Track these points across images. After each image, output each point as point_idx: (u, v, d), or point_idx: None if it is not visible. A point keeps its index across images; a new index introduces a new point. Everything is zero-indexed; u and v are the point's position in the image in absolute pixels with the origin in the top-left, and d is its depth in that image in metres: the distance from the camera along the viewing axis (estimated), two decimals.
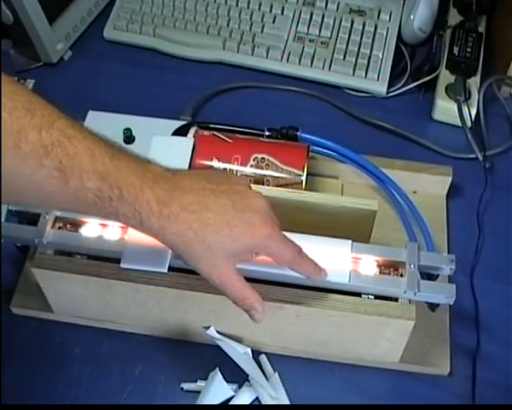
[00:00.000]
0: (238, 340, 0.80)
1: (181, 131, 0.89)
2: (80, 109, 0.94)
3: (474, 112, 1.00)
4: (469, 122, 0.99)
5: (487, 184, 0.94)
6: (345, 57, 1.07)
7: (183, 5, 1.14)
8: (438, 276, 0.76)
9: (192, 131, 0.87)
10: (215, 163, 0.83)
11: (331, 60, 1.08)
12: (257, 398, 0.78)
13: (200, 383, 0.79)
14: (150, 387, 0.80)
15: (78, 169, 0.57)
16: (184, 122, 0.93)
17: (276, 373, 0.79)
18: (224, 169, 0.83)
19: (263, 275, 0.73)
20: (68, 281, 0.76)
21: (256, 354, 0.81)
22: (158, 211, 0.59)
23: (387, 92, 1.06)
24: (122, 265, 0.73)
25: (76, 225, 0.76)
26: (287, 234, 0.71)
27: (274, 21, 1.12)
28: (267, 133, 0.91)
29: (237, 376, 0.79)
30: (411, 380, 0.80)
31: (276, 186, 0.82)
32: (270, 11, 1.13)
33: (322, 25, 1.11)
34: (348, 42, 1.09)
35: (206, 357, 0.81)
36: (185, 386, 0.79)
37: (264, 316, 0.67)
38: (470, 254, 0.89)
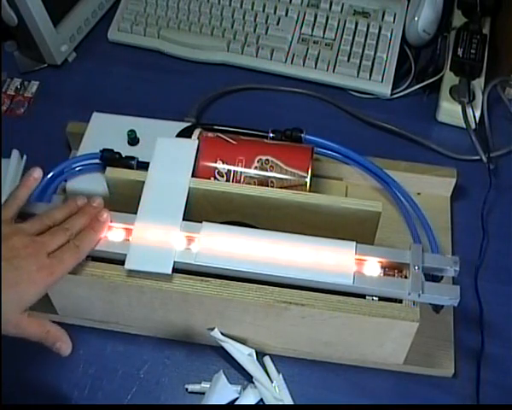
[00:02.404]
0: (242, 341, 0.80)
1: (185, 133, 0.89)
2: (84, 111, 0.94)
3: (478, 113, 1.00)
4: (474, 124, 0.99)
5: (491, 185, 0.94)
6: (349, 59, 1.07)
7: (187, 7, 1.14)
8: (442, 277, 0.76)
9: (196, 132, 0.87)
10: (219, 165, 0.83)
11: (335, 61, 1.08)
12: (261, 399, 0.78)
13: (205, 385, 0.79)
14: (154, 388, 0.80)
15: None
16: (189, 124, 0.93)
17: (281, 375, 0.79)
18: (228, 171, 0.83)
19: (267, 277, 0.73)
20: (73, 282, 0.76)
21: (260, 355, 0.81)
22: None
23: (392, 94, 1.06)
24: (126, 266, 0.73)
25: None
26: (287, 235, 0.72)
27: (278, 23, 1.12)
28: (271, 135, 0.91)
29: (241, 377, 0.80)
30: (416, 381, 0.80)
31: (281, 188, 0.82)
32: (275, 13, 1.13)
33: (326, 26, 1.11)
34: (352, 43, 1.09)
35: (210, 358, 0.81)
36: (189, 387, 0.79)
37: (70, 348, 0.70)
38: (474, 255, 0.89)
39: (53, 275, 0.68)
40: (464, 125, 0.99)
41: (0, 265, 0.65)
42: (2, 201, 0.75)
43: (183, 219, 0.76)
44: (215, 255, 0.74)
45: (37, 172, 0.77)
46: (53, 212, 0.75)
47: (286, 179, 0.82)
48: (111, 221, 0.76)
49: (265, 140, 0.91)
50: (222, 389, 0.77)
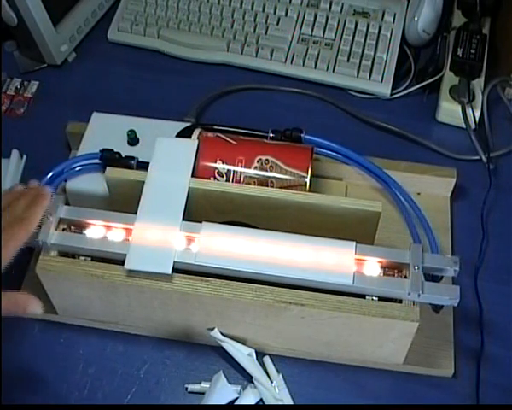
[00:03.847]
0: (242, 341, 0.80)
1: (185, 133, 0.89)
2: (84, 111, 0.94)
3: (478, 113, 1.00)
4: (473, 124, 0.99)
5: (491, 185, 0.94)
6: (349, 59, 1.07)
7: (187, 7, 1.14)
8: (442, 277, 0.76)
9: (196, 132, 0.87)
10: (219, 165, 0.83)
11: (335, 61, 1.08)
12: (261, 400, 0.78)
13: (205, 385, 0.79)
14: (154, 388, 0.80)
15: None
16: (188, 124, 0.93)
17: (280, 375, 0.79)
18: (228, 171, 0.83)
19: (267, 277, 0.73)
20: (72, 282, 0.76)
21: (260, 355, 0.81)
22: None
23: (391, 94, 1.06)
24: (126, 266, 0.73)
25: (80, 227, 0.77)
26: (287, 235, 0.72)
27: (278, 23, 1.12)
28: (271, 135, 0.91)
29: (241, 377, 0.80)
30: (415, 381, 0.80)
31: (280, 188, 0.82)
32: (274, 13, 1.13)
33: (326, 26, 1.11)
34: (352, 43, 1.09)
35: (210, 358, 0.82)
36: (189, 387, 0.79)
37: (40, 307, 0.68)
38: (474, 255, 0.89)
39: (4, 249, 0.67)
40: (464, 126, 0.99)
41: None
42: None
43: (183, 219, 0.76)
44: (215, 255, 0.74)
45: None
46: None
47: (286, 179, 0.82)
48: (111, 221, 0.76)
49: (265, 140, 0.91)
50: (222, 390, 0.77)
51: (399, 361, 0.79)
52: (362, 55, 1.08)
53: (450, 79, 1.03)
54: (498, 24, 1.12)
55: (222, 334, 0.79)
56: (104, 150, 0.87)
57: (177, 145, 0.84)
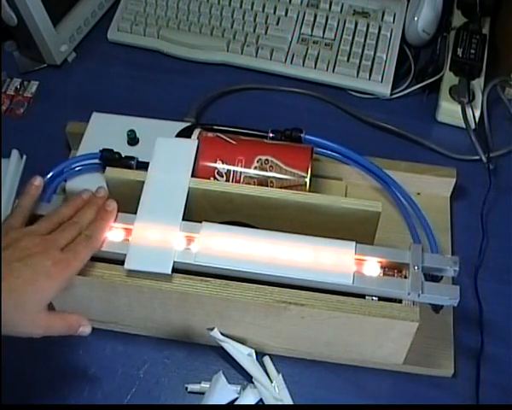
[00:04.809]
0: (242, 341, 0.80)
1: (185, 133, 0.89)
2: (84, 111, 0.94)
3: (477, 113, 1.00)
4: (473, 124, 0.99)
5: (491, 185, 0.94)
6: (349, 59, 1.07)
7: (186, 7, 1.14)
8: (442, 277, 0.76)
9: (196, 132, 0.87)
10: (219, 165, 0.83)
11: (335, 61, 1.08)
12: (261, 400, 0.78)
13: (204, 385, 0.79)
14: (154, 388, 0.80)
15: None
16: (188, 124, 0.93)
17: (280, 375, 0.79)
18: (227, 171, 0.83)
19: (267, 277, 0.73)
20: (72, 283, 0.76)
21: (260, 355, 0.81)
22: None
23: (391, 94, 1.06)
24: (126, 266, 0.73)
25: None
26: (287, 235, 0.72)
27: (278, 23, 1.12)
28: (271, 135, 0.91)
29: (241, 377, 0.80)
30: (415, 381, 0.80)
31: (280, 188, 0.82)
32: (274, 13, 1.13)
33: (326, 26, 1.11)
34: (352, 43, 1.09)
35: (210, 358, 0.82)
36: (189, 387, 0.79)
37: (90, 326, 0.72)
38: (474, 255, 0.89)
39: (69, 267, 0.70)
40: (464, 126, 0.99)
41: (0, 270, 0.66)
42: (6, 212, 0.77)
43: (183, 219, 0.76)
44: (215, 255, 0.74)
45: (37, 180, 0.79)
46: (60, 209, 0.76)
47: (285, 179, 0.82)
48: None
49: (265, 140, 0.91)
50: (221, 390, 0.77)
51: (399, 361, 0.79)
52: (362, 55, 1.08)
53: (450, 78, 1.03)
54: (498, 24, 1.12)
55: (222, 334, 0.79)
56: (104, 150, 0.87)
57: (177, 145, 0.84)
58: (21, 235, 0.71)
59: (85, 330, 0.72)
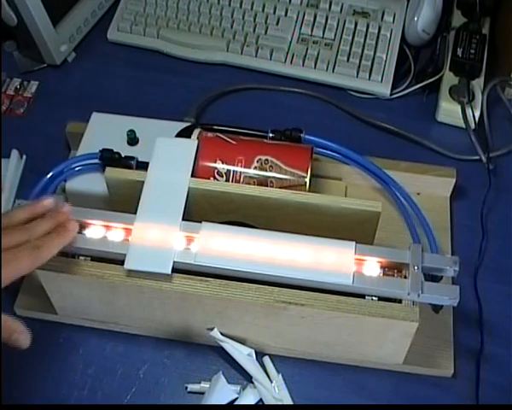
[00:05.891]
0: (242, 341, 0.80)
1: (185, 133, 0.89)
2: (84, 111, 0.94)
3: (477, 113, 1.00)
4: (473, 124, 0.99)
5: (491, 185, 0.94)
6: (348, 59, 1.07)
7: (186, 7, 1.14)
8: (441, 277, 0.76)
9: (196, 132, 0.87)
10: (219, 165, 0.83)
11: (335, 61, 1.08)
12: (260, 400, 0.78)
13: (204, 385, 0.79)
14: (154, 388, 0.80)
15: None
16: (188, 124, 0.93)
17: (280, 375, 0.79)
18: (227, 171, 0.83)
19: (267, 277, 0.73)
20: (72, 282, 0.76)
21: (260, 355, 0.81)
22: None
23: (391, 94, 1.06)
24: (126, 266, 0.73)
25: (80, 227, 0.76)
26: (287, 235, 0.72)
27: (278, 23, 1.12)
28: (271, 135, 0.91)
29: (241, 377, 0.80)
30: (415, 382, 0.80)
31: (280, 188, 0.82)
32: (274, 13, 1.13)
33: (325, 26, 1.11)
34: (352, 43, 1.09)
35: (209, 358, 0.82)
36: (189, 387, 0.79)
37: (28, 339, 0.65)
38: (474, 255, 0.89)
39: (4, 270, 0.63)
40: (464, 126, 0.99)
41: None
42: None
43: (183, 219, 0.76)
44: (214, 255, 0.74)
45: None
46: (14, 211, 0.72)
47: (285, 179, 0.82)
48: (110, 221, 0.76)
49: (265, 140, 0.91)
50: (221, 390, 0.77)
51: (399, 361, 0.79)
52: (361, 55, 1.08)
53: (449, 78, 1.03)
54: (498, 24, 1.12)
55: (221, 334, 0.79)
56: (104, 150, 0.87)
57: (177, 145, 0.84)
58: None
59: (20, 338, 0.64)
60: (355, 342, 0.78)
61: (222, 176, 0.83)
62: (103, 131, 0.92)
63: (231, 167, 0.83)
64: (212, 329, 0.78)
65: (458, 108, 1.00)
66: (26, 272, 0.66)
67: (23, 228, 0.69)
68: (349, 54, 1.08)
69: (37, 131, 1.03)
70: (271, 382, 0.78)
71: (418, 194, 0.92)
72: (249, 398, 0.78)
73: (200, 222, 0.76)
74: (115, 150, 0.87)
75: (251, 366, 0.79)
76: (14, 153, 0.96)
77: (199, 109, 1.02)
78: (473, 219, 0.92)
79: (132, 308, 0.79)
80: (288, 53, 1.09)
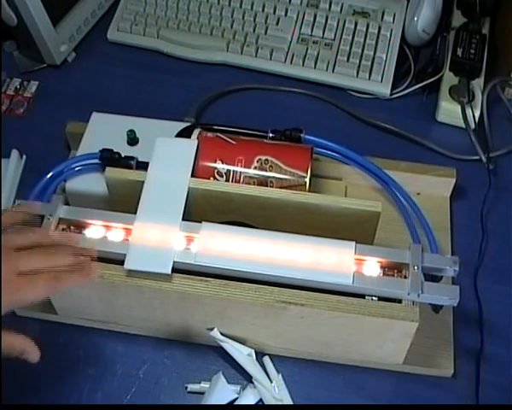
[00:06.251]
0: (242, 341, 0.80)
1: (185, 133, 0.89)
2: (84, 111, 0.94)
3: (477, 113, 1.00)
4: (473, 124, 0.99)
5: (491, 185, 0.94)
6: (348, 59, 1.07)
7: (186, 7, 1.14)
8: (441, 277, 0.76)
9: (196, 132, 0.87)
10: (219, 165, 0.83)
11: (335, 61, 1.08)
12: (260, 400, 0.78)
13: (204, 385, 0.79)
14: (154, 388, 0.80)
15: None
16: (188, 124, 0.93)
17: (280, 375, 0.79)
18: (227, 171, 0.83)
19: (267, 277, 0.73)
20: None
21: (260, 355, 0.81)
22: None
23: (391, 94, 1.06)
24: (126, 266, 0.73)
25: (80, 227, 0.76)
26: (287, 235, 0.72)
27: (278, 23, 1.12)
28: (271, 135, 0.91)
29: (241, 377, 0.80)
30: (415, 382, 0.80)
31: (280, 188, 0.82)
32: (274, 13, 1.13)
33: (325, 26, 1.11)
34: (352, 43, 1.09)
35: (209, 358, 0.82)
36: (189, 387, 0.79)
37: (38, 356, 0.67)
38: (474, 255, 0.89)
39: (17, 294, 0.64)
40: (464, 125, 0.99)
41: None
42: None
43: (183, 219, 0.76)
44: (214, 255, 0.74)
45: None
46: (44, 231, 0.73)
47: (285, 179, 0.82)
48: (110, 221, 0.76)
49: (265, 140, 0.91)
50: (221, 390, 0.77)
51: (399, 361, 0.79)
52: (361, 55, 1.08)
53: (449, 78, 1.03)
54: (498, 24, 1.12)
55: (221, 334, 0.79)
56: (104, 150, 0.87)
57: (177, 145, 0.84)
58: None
59: (30, 355, 0.66)
60: (355, 342, 0.78)
61: (222, 176, 0.83)
62: (103, 131, 0.92)
63: (231, 167, 0.83)
64: (212, 329, 0.78)
65: (458, 108, 1.00)
66: (35, 301, 0.65)
67: (48, 254, 0.68)
68: (349, 54, 1.08)
69: (37, 131, 1.03)
70: (271, 382, 0.78)
71: (418, 194, 0.92)
72: (249, 398, 0.78)
73: (200, 222, 0.76)
74: (115, 150, 0.87)
75: (251, 366, 0.79)
76: (14, 153, 0.96)
77: (199, 109, 1.02)
78: (473, 219, 0.92)
79: (132, 308, 0.79)
80: (287, 53, 1.09)
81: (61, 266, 0.67)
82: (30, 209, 0.76)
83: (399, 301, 0.73)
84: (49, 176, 0.87)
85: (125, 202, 0.78)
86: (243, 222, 0.80)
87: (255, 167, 0.83)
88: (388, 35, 1.09)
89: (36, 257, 0.67)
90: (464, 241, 0.90)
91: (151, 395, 0.80)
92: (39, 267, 0.66)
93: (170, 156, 0.81)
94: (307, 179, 0.82)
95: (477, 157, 0.97)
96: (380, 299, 0.73)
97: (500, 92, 1.03)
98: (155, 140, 0.83)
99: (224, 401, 0.78)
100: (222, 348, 0.79)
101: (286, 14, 1.13)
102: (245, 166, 0.83)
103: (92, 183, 0.87)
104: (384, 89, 1.06)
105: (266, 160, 0.83)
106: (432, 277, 0.75)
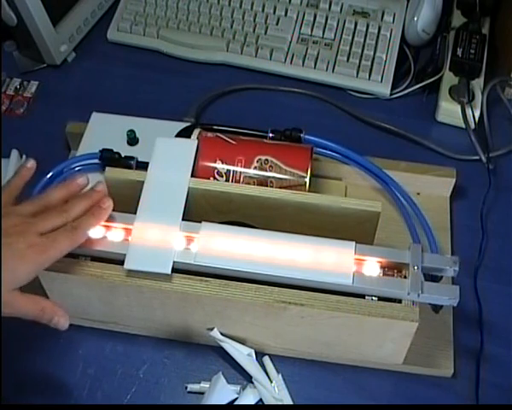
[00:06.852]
0: (241, 341, 0.80)
1: (184, 133, 0.89)
2: (84, 111, 0.94)
3: (477, 113, 1.00)
4: (473, 124, 0.99)
5: (491, 185, 0.94)
6: (348, 59, 1.07)
7: (186, 7, 1.14)
8: (441, 277, 0.76)
9: (196, 132, 0.87)
10: (219, 165, 0.83)
11: (335, 61, 1.08)
12: (260, 400, 0.78)
13: (204, 385, 0.79)
14: (154, 388, 0.80)
15: None
16: (188, 124, 0.93)
17: (280, 375, 0.79)
18: (227, 171, 0.83)
19: (266, 277, 0.73)
20: (72, 282, 0.76)
21: (259, 355, 0.81)
22: None
23: (391, 94, 1.06)
24: (126, 266, 0.73)
25: None
26: (287, 235, 0.71)
27: (277, 23, 1.12)
28: (271, 135, 0.91)
29: (241, 377, 0.80)
30: (415, 382, 0.80)
31: (280, 188, 0.82)
32: (274, 13, 1.13)
33: (325, 26, 1.11)
34: (352, 43, 1.09)
35: (209, 358, 0.82)
36: (189, 387, 0.79)
37: (67, 323, 0.70)
38: (474, 255, 0.89)
39: (44, 253, 0.67)
40: (464, 126, 0.99)
41: None
42: None
43: (183, 219, 0.76)
44: (214, 255, 0.74)
45: (30, 163, 0.76)
46: (50, 192, 0.75)
47: (285, 179, 0.82)
48: (110, 221, 0.76)
49: (265, 140, 0.91)
50: (221, 390, 0.77)
51: (399, 361, 0.79)
52: (361, 55, 1.08)
53: (449, 78, 1.03)
54: (498, 24, 1.12)
55: (221, 334, 0.79)
56: (104, 150, 0.87)
57: (177, 145, 0.84)
58: (3, 213, 0.68)
59: (60, 321, 0.70)
60: (355, 342, 0.78)
61: (222, 176, 0.83)
62: (103, 131, 0.92)
63: (231, 167, 0.83)
64: (211, 329, 0.78)
65: (458, 108, 1.00)
66: (65, 253, 0.70)
67: (59, 210, 0.72)
68: (349, 54, 1.08)
69: (37, 131, 1.03)
70: (271, 382, 0.78)
71: (418, 194, 0.92)
72: (249, 398, 0.78)
73: (200, 222, 0.76)
74: (115, 150, 0.87)
75: (251, 365, 0.79)
76: (14, 153, 0.96)
77: (199, 109, 1.02)
78: (473, 219, 0.92)
79: (132, 308, 0.79)
80: (287, 53, 1.09)
81: (76, 216, 0.72)
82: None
83: (399, 301, 0.73)
84: (49, 176, 0.87)
85: (124, 201, 0.78)
86: (243, 222, 0.80)
87: (255, 167, 0.83)
88: (388, 35, 1.09)
89: (51, 215, 0.70)
90: (464, 241, 0.90)
91: (151, 395, 0.80)
92: (57, 224, 0.70)
93: (170, 156, 0.81)
94: (307, 179, 0.82)
95: (477, 157, 0.97)
96: (380, 299, 0.73)
97: (500, 92, 1.03)
98: (155, 140, 0.83)
99: (224, 401, 0.78)
100: (222, 348, 0.79)
101: (286, 14, 1.13)
102: (245, 166, 0.83)
103: (92, 183, 0.87)
104: (384, 89, 1.06)
105: (266, 160, 0.83)
106: (432, 277, 0.75)
